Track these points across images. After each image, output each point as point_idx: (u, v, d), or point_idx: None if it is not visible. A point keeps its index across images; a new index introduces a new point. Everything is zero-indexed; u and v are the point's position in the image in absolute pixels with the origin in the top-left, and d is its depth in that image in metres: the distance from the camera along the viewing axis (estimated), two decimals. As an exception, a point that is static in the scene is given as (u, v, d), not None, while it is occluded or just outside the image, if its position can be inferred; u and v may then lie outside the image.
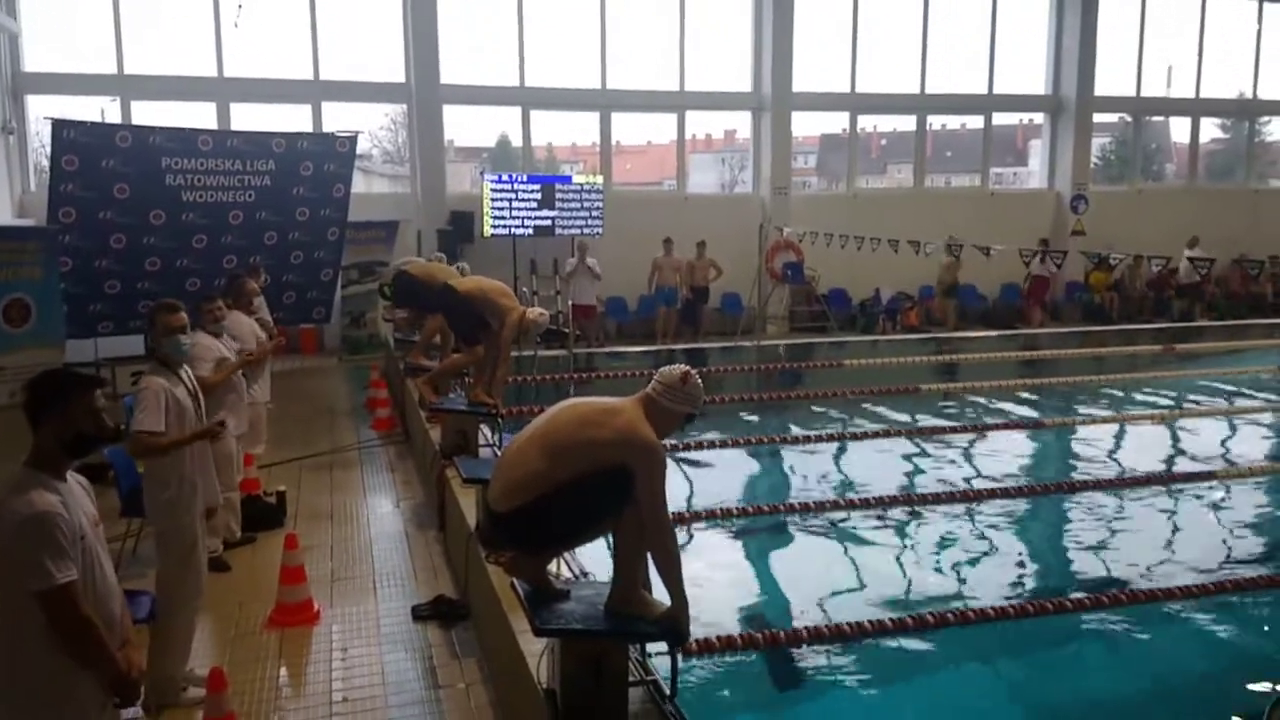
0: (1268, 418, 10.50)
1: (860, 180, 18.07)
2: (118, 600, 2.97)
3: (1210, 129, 19.96)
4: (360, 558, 6.31)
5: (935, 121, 18.31)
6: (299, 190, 12.31)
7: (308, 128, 14.18)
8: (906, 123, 17.77)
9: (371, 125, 16.31)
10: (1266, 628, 5.28)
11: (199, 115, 13.87)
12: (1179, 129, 19.55)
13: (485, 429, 6.86)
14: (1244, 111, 19.30)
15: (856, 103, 16.97)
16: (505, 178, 14.61)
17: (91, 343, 11.23)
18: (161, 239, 11.51)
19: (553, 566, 4.75)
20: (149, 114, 13.56)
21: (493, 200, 14.42)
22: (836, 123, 17.68)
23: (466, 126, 16.39)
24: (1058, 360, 13.09)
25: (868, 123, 18.44)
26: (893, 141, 19.70)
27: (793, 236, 15.69)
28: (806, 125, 17.92)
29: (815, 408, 10.21)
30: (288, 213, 12.32)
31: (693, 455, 8.40)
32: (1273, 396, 11.26)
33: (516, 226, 14.58)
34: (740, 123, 17.28)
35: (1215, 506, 7.38)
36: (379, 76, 14.87)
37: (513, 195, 14.52)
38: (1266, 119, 19.87)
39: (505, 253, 14.57)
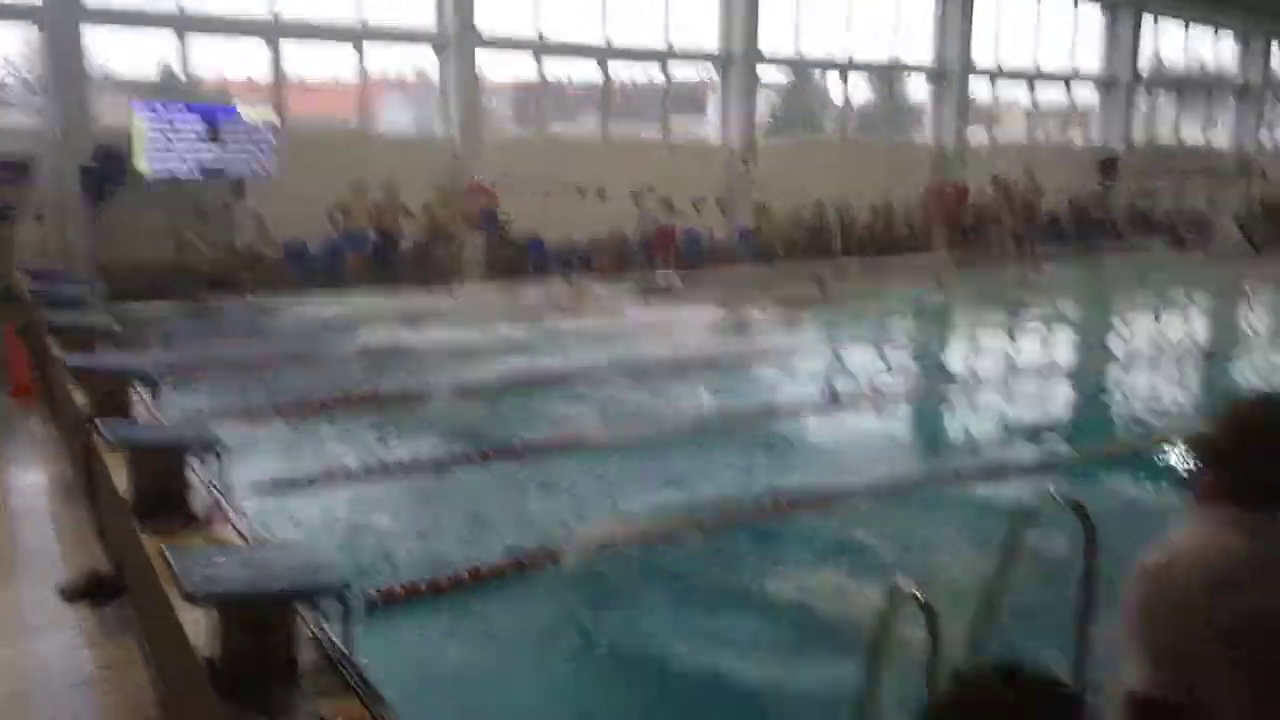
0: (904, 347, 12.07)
1: (555, 127, 18.22)
2: None
3: (863, 88, 22.03)
4: (-7, 539, 5.64)
5: (625, 73, 18.77)
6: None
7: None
8: (597, 72, 18.09)
9: (4, 49, 14.12)
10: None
11: None
12: (836, 87, 21.42)
13: (141, 390, 6.27)
14: (889, 72, 21.48)
15: (541, 48, 17.02)
16: (160, 108, 13.23)
17: None
18: None
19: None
20: None
21: (149, 135, 13.04)
22: (529, 68, 17.65)
23: (122, 55, 14.68)
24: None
25: (560, 71, 18.54)
26: (584, 91, 19.98)
27: (485, 181, 15.59)
28: (499, 69, 17.78)
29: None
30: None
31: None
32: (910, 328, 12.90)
33: (177, 164, 13.28)
34: (429, 62, 16.80)
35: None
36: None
37: (171, 129, 13.20)
38: (907, 77, 22.23)
39: (163, 193, 13.28)
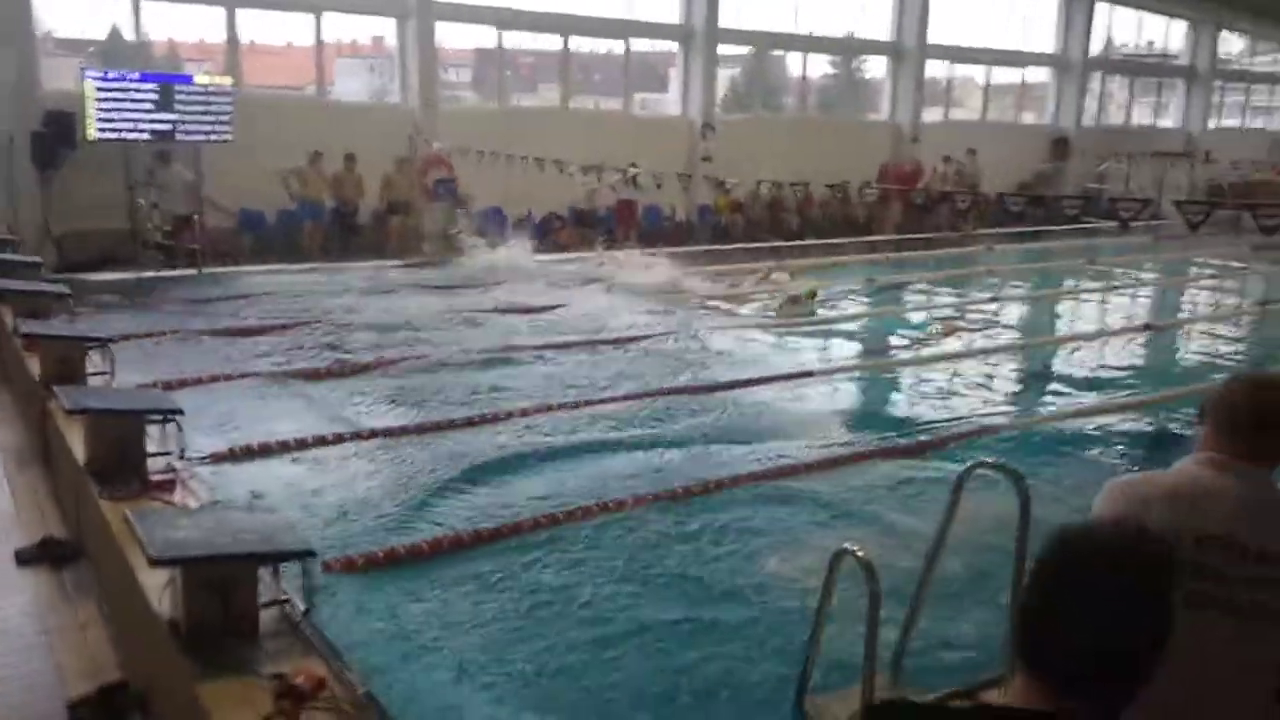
0: (861, 324, 12.26)
1: (514, 98, 18.09)
2: None
3: (822, 65, 22.14)
4: (-55, 506, 5.60)
5: (585, 45, 18.67)
6: None
7: None
8: (557, 43, 18.01)
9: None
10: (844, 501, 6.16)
11: None
12: (796, 64, 21.51)
13: (95, 355, 6.25)
14: (847, 50, 21.59)
15: (502, 17, 16.90)
16: (112, 75, 12.98)
17: None
18: None
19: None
20: None
21: (99, 101, 12.77)
22: (489, 37, 17.52)
23: (69, 15, 14.34)
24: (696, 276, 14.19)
25: (520, 41, 18.44)
26: (544, 61, 19.90)
27: (443, 151, 15.46)
28: (457, 38, 17.62)
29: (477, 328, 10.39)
30: None
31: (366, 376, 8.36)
32: (865, 305, 13.10)
33: (129, 130, 13.03)
34: (388, 29, 16.61)
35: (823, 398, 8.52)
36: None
37: (123, 95, 12.94)
38: (865, 58, 22.38)
39: (115, 159, 13.03)
